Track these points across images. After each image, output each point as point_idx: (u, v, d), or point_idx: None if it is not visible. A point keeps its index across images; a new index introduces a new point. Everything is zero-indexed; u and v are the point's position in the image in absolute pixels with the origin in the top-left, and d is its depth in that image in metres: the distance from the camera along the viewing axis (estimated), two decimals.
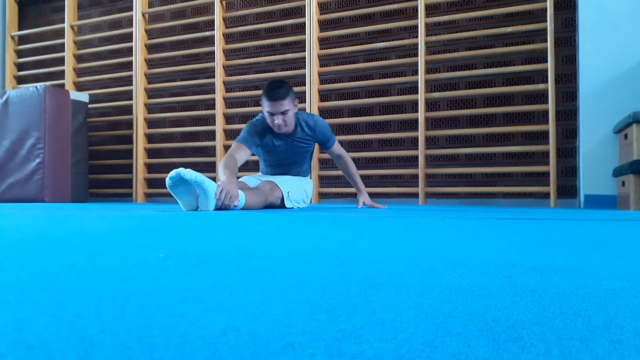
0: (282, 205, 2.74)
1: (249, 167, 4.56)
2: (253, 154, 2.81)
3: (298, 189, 2.82)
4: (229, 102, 4.81)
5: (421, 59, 3.99)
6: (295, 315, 0.38)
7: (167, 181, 2.24)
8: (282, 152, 2.81)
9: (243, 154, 2.62)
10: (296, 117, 2.73)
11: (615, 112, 3.42)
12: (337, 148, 2.94)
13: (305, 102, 4.39)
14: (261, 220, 1.64)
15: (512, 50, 3.83)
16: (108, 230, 1.26)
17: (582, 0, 3.59)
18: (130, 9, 5.30)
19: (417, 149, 4.07)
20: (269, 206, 2.68)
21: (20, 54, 5.91)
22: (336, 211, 2.47)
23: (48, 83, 5.42)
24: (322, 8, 4.50)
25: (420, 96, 3.99)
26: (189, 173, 2.17)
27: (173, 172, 2.20)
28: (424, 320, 0.37)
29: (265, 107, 2.59)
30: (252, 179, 2.84)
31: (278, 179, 2.75)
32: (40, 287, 0.49)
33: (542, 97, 3.79)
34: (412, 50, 4.16)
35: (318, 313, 0.39)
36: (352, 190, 4.27)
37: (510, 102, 3.91)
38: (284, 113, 2.58)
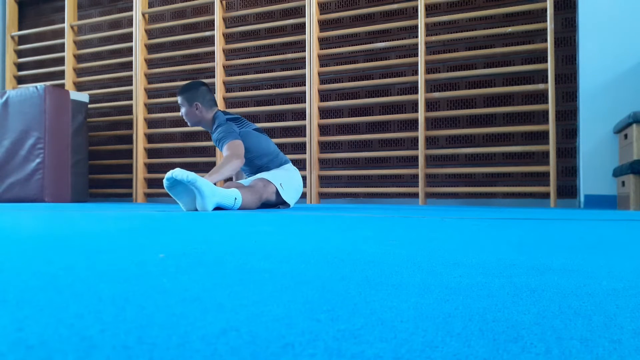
0: (278, 201, 2.75)
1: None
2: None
3: (288, 180, 2.83)
4: (229, 102, 4.81)
5: (421, 59, 3.99)
6: (295, 315, 0.38)
7: (164, 182, 2.25)
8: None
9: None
10: (214, 116, 2.87)
11: (615, 112, 3.42)
12: (224, 151, 2.72)
13: (305, 102, 4.40)
14: (261, 220, 1.64)
15: (512, 50, 3.83)
16: (108, 230, 1.26)
17: (582, 0, 3.59)
18: (130, 9, 5.30)
19: (417, 149, 4.07)
20: (266, 204, 2.69)
21: (20, 54, 5.91)
22: (336, 211, 2.47)
23: (48, 83, 5.43)
24: (322, 8, 4.50)
25: (420, 96, 3.99)
26: (180, 173, 2.18)
27: (169, 174, 2.21)
28: (424, 320, 0.37)
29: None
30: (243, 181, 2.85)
31: (266, 175, 2.77)
32: (40, 287, 0.49)
33: (542, 97, 3.79)
34: (412, 50, 4.16)
35: (318, 313, 0.39)
36: (352, 190, 4.28)
37: (510, 102, 3.91)
38: (180, 107, 2.90)
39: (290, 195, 2.83)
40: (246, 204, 2.47)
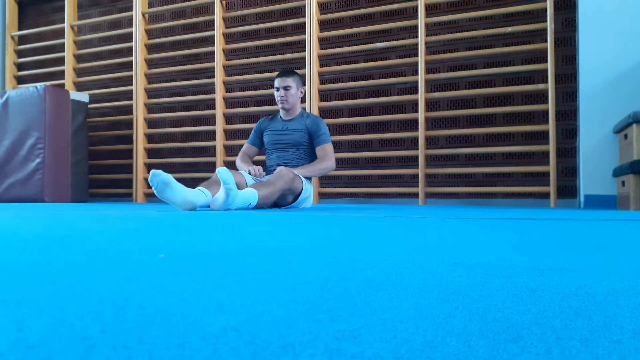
0: (290, 201, 2.79)
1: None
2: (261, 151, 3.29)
3: (308, 183, 2.92)
4: (229, 102, 4.81)
5: (421, 59, 3.99)
6: (295, 315, 0.38)
7: (157, 185, 2.29)
8: (278, 134, 3.11)
9: (251, 150, 3.23)
10: (302, 111, 3.17)
11: (615, 112, 3.42)
12: (323, 149, 3.01)
13: (305, 102, 4.39)
14: (261, 220, 1.64)
15: (512, 50, 3.83)
16: (108, 230, 1.26)
17: (582, 0, 3.59)
18: (130, 9, 5.30)
19: (417, 149, 4.07)
20: (281, 199, 2.74)
21: (20, 54, 5.91)
22: (336, 211, 2.47)
23: (48, 83, 5.43)
24: (322, 8, 4.50)
25: (420, 96, 3.99)
26: (225, 175, 2.24)
27: (161, 176, 2.26)
28: (424, 320, 0.37)
29: (275, 83, 3.10)
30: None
31: (297, 170, 2.84)
32: (40, 287, 0.49)
33: (542, 97, 3.79)
34: (412, 50, 4.16)
35: (318, 313, 0.39)
36: (352, 190, 4.28)
37: (510, 102, 3.91)
38: (286, 88, 3.06)
39: (305, 195, 2.86)
40: (260, 205, 2.52)
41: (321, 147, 3.01)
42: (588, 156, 3.55)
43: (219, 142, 4.67)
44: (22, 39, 5.93)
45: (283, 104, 3.09)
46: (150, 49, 5.18)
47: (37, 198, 4.45)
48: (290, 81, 3.05)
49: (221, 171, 2.25)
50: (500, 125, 3.93)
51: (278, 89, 3.08)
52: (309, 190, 2.93)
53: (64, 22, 5.56)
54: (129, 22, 5.31)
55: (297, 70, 4.44)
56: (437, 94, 4.01)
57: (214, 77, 4.79)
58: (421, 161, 3.98)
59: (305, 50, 4.43)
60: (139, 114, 5.02)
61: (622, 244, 1.02)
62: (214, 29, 4.81)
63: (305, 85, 4.39)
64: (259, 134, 3.22)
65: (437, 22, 4.05)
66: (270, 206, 2.72)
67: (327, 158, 2.98)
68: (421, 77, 3.99)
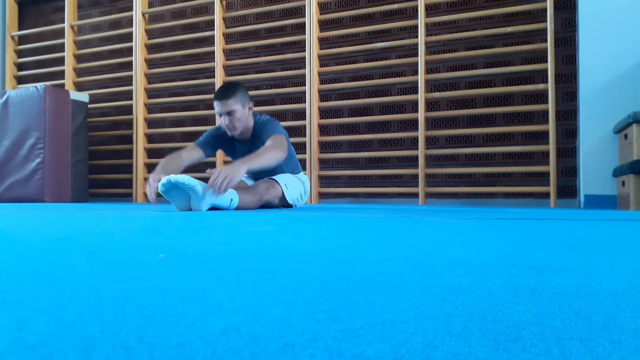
0: (281, 204, 2.72)
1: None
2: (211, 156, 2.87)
3: (294, 183, 2.78)
4: None
5: (421, 59, 3.99)
6: (295, 315, 0.38)
7: (160, 187, 2.24)
8: (240, 154, 2.71)
9: (194, 153, 2.68)
10: (254, 122, 2.71)
11: (615, 112, 3.42)
12: (272, 138, 2.54)
13: (305, 102, 4.39)
14: (261, 220, 1.64)
15: (512, 50, 3.83)
16: (108, 230, 1.26)
17: (582, 0, 3.59)
18: (130, 9, 5.29)
19: (417, 149, 4.07)
20: (267, 205, 2.65)
21: (20, 54, 5.91)
22: (336, 211, 2.47)
23: (48, 83, 5.42)
24: (322, 8, 4.50)
25: (420, 96, 3.99)
26: (179, 178, 2.17)
27: (164, 179, 2.19)
28: (424, 320, 0.37)
29: (215, 108, 2.62)
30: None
31: (274, 176, 2.71)
32: (40, 287, 0.49)
33: (542, 97, 3.79)
34: (412, 50, 4.16)
35: (318, 313, 0.39)
36: (352, 190, 4.28)
37: (510, 102, 3.91)
38: (229, 114, 2.58)
39: (294, 196, 2.76)
40: (243, 204, 2.43)
41: (271, 138, 2.54)
42: (588, 156, 3.55)
43: None
44: (22, 39, 5.93)
45: (232, 132, 2.64)
46: (150, 49, 5.18)
47: (37, 198, 4.45)
48: (232, 103, 2.56)
49: (175, 178, 2.13)
50: (500, 125, 3.93)
51: (221, 115, 2.59)
52: (299, 190, 2.80)
53: (64, 22, 5.56)
54: (129, 22, 5.31)
55: (296, 71, 4.45)
56: (437, 94, 4.01)
57: (214, 77, 4.79)
58: (421, 161, 3.98)
59: (305, 50, 4.43)
60: (139, 114, 5.02)
61: (622, 244, 1.02)
62: (214, 29, 4.82)
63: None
64: (213, 145, 2.76)
65: (437, 22, 4.05)
66: (258, 207, 2.58)
67: (271, 147, 2.47)
68: (421, 77, 3.99)
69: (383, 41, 4.27)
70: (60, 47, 5.59)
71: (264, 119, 2.71)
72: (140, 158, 5.00)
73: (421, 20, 4.01)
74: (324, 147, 4.44)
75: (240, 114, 2.59)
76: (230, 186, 2.26)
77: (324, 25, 4.49)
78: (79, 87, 5.50)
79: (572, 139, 3.74)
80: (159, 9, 5.04)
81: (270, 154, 2.45)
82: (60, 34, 5.63)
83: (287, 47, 4.63)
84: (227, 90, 2.58)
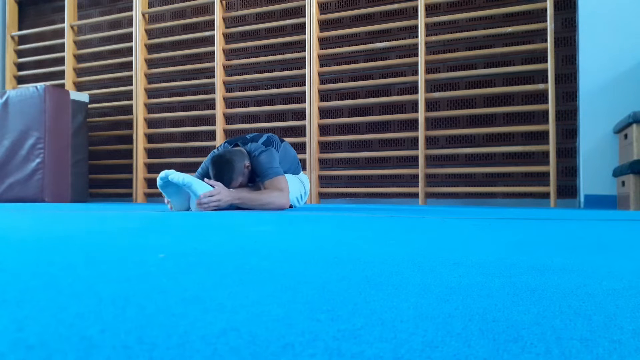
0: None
1: None
2: None
3: (294, 183, 2.76)
4: (229, 102, 4.81)
5: (421, 59, 3.99)
6: (295, 315, 0.38)
7: (158, 181, 2.24)
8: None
9: None
10: (248, 153, 2.59)
11: (615, 112, 3.42)
12: (271, 183, 2.47)
13: (305, 102, 4.39)
14: (261, 220, 1.64)
15: (512, 50, 3.83)
16: (108, 230, 1.26)
17: (582, 0, 3.59)
18: (130, 9, 5.29)
19: (417, 149, 4.07)
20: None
21: (20, 54, 5.91)
22: (336, 211, 2.47)
23: (48, 83, 5.42)
24: (322, 8, 4.50)
25: (420, 96, 3.99)
26: (175, 176, 2.16)
27: (162, 173, 2.20)
28: (424, 320, 0.37)
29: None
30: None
31: None
32: (40, 287, 0.49)
33: (542, 97, 3.79)
34: (412, 50, 4.16)
35: (318, 313, 0.39)
36: (352, 190, 4.28)
37: (510, 102, 3.91)
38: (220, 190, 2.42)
39: (294, 196, 2.75)
40: (246, 205, 2.42)
41: (269, 181, 2.46)
42: (588, 156, 3.55)
43: (219, 142, 4.67)
44: (22, 39, 5.93)
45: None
46: (150, 49, 5.18)
47: (37, 198, 4.45)
48: (235, 184, 2.47)
49: (172, 176, 2.12)
50: (500, 125, 3.93)
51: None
52: (299, 190, 2.79)
53: (64, 22, 5.56)
54: (129, 22, 5.31)
55: (296, 71, 4.45)
56: (437, 94, 4.01)
57: (214, 77, 4.79)
58: (421, 161, 3.98)
59: (305, 50, 4.43)
60: (139, 114, 5.02)
61: (622, 244, 1.02)
62: (214, 29, 4.81)
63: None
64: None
65: (437, 22, 4.05)
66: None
67: (274, 190, 2.43)
68: (421, 77, 3.99)
69: (383, 41, 4.27)
70: (60, 47, 5.59)
71: (257, 151, 2.55)
72: (140, 158, 5.00)
73: (421, 20, 4.01)
74: (324, 147, 4.44)
75: (241, 180, 2.52)
76: (216, 208, 2.27)
77: (324, 25, 4.49)
78: (79, 87, 5.50)
79: (572, 139, 3.74)
80: (159, 9, 5.04)
81: (275, 203, 2.40)
82: (60, 34, 5.63)
83: (287, 47, 4.63)
84: (225, 175, 2.43)
